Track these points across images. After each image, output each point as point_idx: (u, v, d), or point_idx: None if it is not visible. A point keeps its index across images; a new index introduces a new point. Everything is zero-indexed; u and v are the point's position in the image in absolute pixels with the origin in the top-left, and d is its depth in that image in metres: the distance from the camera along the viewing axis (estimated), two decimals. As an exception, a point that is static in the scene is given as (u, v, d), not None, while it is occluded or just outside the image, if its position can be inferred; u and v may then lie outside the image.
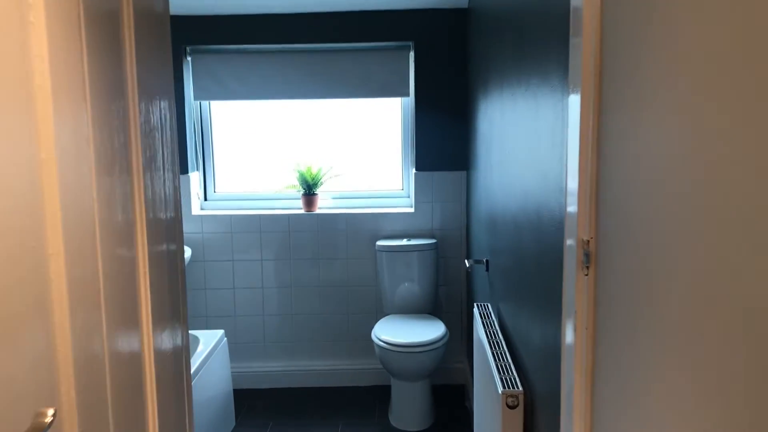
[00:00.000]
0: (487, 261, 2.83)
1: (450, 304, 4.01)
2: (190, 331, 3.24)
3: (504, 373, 2.05)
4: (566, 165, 1.32)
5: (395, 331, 3.50)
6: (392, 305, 3.83)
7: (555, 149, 1.54)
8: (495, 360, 2.15)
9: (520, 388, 1.92)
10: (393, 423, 3.55)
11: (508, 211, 2.31)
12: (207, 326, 3.98)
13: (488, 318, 2.55)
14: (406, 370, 3.42)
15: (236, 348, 3.99)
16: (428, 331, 3.49)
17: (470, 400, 3.59)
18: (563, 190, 1.37)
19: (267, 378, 4.02)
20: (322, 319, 4.02)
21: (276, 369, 4.03)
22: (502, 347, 2.24)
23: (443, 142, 3.88)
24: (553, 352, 1.56)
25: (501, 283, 2.49)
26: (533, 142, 1.82)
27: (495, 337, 2.33)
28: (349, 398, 3.89)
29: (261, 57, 3.84)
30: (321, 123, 4.07)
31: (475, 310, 2.64)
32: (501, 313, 2.47)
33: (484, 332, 2.39)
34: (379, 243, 3.83)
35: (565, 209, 1.33)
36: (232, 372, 3.67)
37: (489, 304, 2.67)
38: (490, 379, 2.15)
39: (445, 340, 3.45)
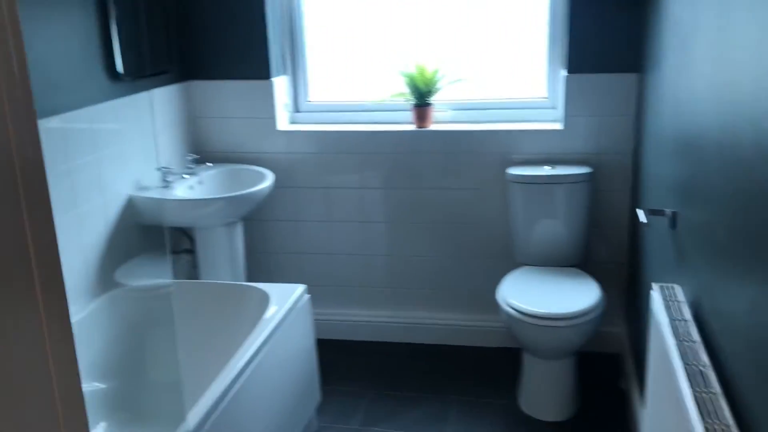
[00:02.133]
0: (674, 213, 1.83)
1: (605, 254, 3.02)
2: (258, 285, 2.53)
3: (706, 411, 1.15)
4: None
5: (530, 293, 2.60)
6: (527, 253, 2.91)
7: None
8: (692, 388, 1.23)
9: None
10: (523, 408, 2.71)
11: (731, 132, 1.31)
12: (296, 264, 3.28)
13: (676, 309, 1.58)
14: (545, 347, 2.54)
15: (328, 291, 3.28)
16: (576, 294, 2.56)
17: (626, 379, 2.67)
18: None
19: (365, 329, 3.29)
20: (435, 262, 3.19)
21: (377, 319, 3.28)
22: (703, 363, 1.31)
23: (606, 34, 2.79)
24: None
25: (706, 253, 1.51)
26: None
27: (690, 344, 1.39)
28: (468, 362, 3.08)
29: None
30: (437, 11, 3.09)
31: (654, 295, 1.68)
32: (703, 303, 1.50)
33: (671, 335, 1.45)
34: (513, 170, 2.88)
35: None
36: (321, 320, 2.97)
37: (676, 287, 1.69)
38: (676, 407, 1.26)
39: (599, 310, 2.51)
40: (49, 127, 2.19)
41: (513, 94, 3.11)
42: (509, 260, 3.02)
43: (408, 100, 3.07)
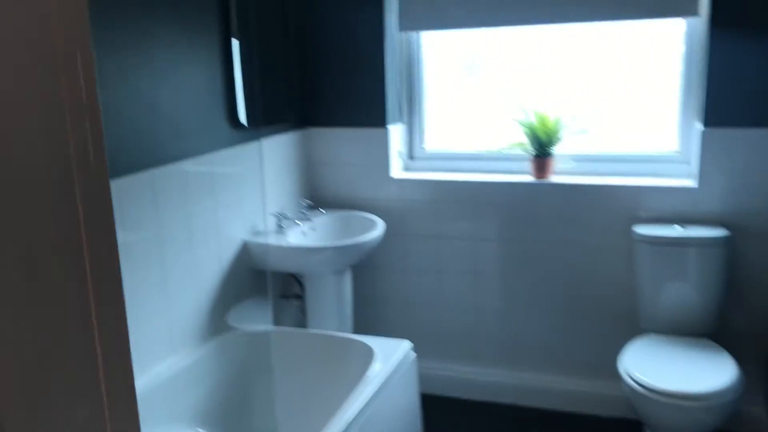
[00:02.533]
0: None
1: (743, 324, 2.73)
2: (364, 338, 2.46)
3: None
4: None
5: (657, 366, 2.38)
6: (654, 320, 2.68)
7: None
8: None
9: None
10: (644, 491, 2.47)
11: None
12: (404, 314, 3.20)
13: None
14: (671, 426, 2.30)
15: (436, 344, 3.16)
16: (710, 370, 2.32)
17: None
18: None
19: (472, 387, 3.14)
20: (552, 321, 3.01)
21: (485, 378, 3.13)
22: None
23: (749, 85, 2.56)
24: None
25: None
26: None
27: None
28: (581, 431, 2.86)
29: (484, -31, 2.83)
30: (559, 58, 2.97)
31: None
32: None
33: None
34: (639, 229, 2.68)
35: None
36: (426, 373, 2.86)
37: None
38: None
39: (736, 391, 2.25)
40: (169, 172, 2.25)
41: (641, 146, 2.92)
42: (633, 325, 2.79)
43: (527, 150, 2.95)
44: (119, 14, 2.03)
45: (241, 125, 2.62)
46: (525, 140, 2.94)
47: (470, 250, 3.06)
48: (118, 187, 2.04)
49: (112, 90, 2.02)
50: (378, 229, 2.87)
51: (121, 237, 2.02)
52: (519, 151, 3.01)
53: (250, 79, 2.66)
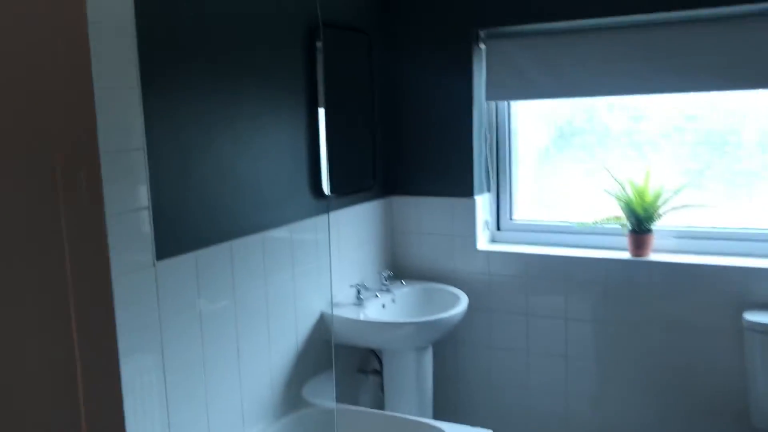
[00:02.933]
0: None
1: None
2: (444, 425, 2.30)
3: None
4: None
5: (775, 475, 2.09)
6: (770, 419, 2.39)
7: None
8: None
9: None
10: None
11: None
12: (487, 396, 3.01)
13: None
14: None
15: (525, 429, 2.95)
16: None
17: None
18: None
19: (566, 483, 2.89)
20: (651, 413, 2.74)
21: (579, 473, 2.87)
22: None
23: None
24: None
25: None
26: None
27: None
28: None
29: (580, 38, 2.73)
30: (658, 125, 2.79)
31: None
32: None
33: None
34: (751, 316, 2.42)
35: None
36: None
37: None
38: None
39: None
40: (249, 242, 2.23)
41: (752, 222, 2.67)
42: (744, 424, 2.50)
43: (623, 225, 2.76)
44: (204, 84, 2.06)
45: (323, 194, 2.58)
46: (621, 214, 2.76)
47: (561, 330, 2.86)
48: (197, 258, 2.02)
49: (197, 159, 2.03)
50: (461, 303, 2.73)
51: (200, 307, 1.99)
52: (615, 226, 2.82)
53: (334, 148, 2.64)
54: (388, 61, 3.03)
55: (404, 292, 2.90)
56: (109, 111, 1.73)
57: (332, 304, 2.67)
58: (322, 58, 2.52)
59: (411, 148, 3.07)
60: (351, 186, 2.81)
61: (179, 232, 1.98)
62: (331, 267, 2.67)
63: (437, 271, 3.06)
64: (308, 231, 2.54)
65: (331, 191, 2.62)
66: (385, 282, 2.87)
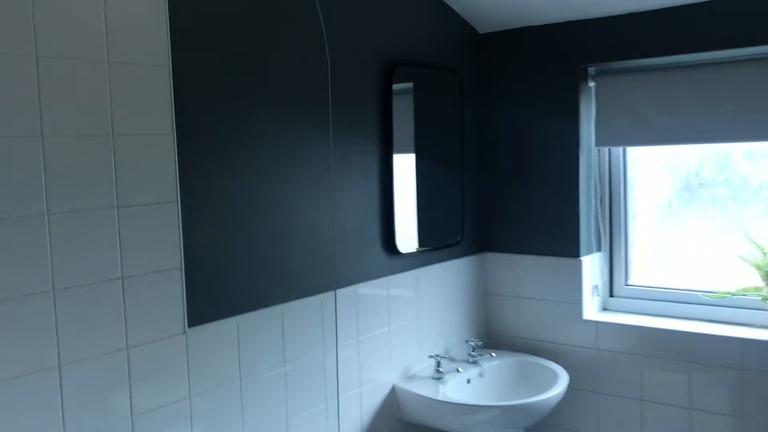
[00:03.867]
0: None
1: None
2: None
3: None
4: None
5: None
6: None
7: None
8: None
9: None
10: None
11: None
12: (596, 497, 2.53)
13: None
14: None
15: None
16: None
17: None
18: None
19: None
20: None
21: None
22: None
23: None
24: None
25: None
26: None
27: None
28: None
29: (706, 72, 2.30)
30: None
31: None
32: None
33: None
34: None
35: None
36: None
37: None
38: None
39: None
40: (307, 305, 1.97)
41: None
42: None
43: (764, 298, 2.25)
44: (253, 128, 1.84)
45: (397, 250, 2.29)
46: (761, 284, 2.25)
47: (686, 422, 2.36)
48: (239, 323, 1.79)
49: (242, 212, 1.81)
50: (561, 383, 2.32)
51: (240, 379, 1.73)
52: (753, 298, 2.31)
53: (415, 198, 2.36)
54: (480, 102, 2.72)
55: (494, 365, 2.52)
56: (141, 159, 1.55)
57: (406, 377, 2.35)
58: (410, 100, 2.27)
59: (507, 198, 2.72)
60: (433, 241, 2.50)
61: (217, 294, 1.75)
62: (408, 333, 2.36)
63: (534, 342, 2.65)
64: (379, 292, 2.25)
65: (411, 247, 2.33)
66: (472, 353, 2.51)
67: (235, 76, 1.79)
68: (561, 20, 2.52)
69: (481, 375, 2.47)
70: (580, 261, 2.56)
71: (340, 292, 2.09)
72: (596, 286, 2.65)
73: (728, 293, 2.35)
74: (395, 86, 2.26)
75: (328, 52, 2.01)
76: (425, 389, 2.28)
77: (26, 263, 1.35)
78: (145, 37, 1.56)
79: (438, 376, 2.36)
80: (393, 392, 2.30)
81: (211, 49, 1.73)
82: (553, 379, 2.36)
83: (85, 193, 1.45)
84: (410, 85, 2.35)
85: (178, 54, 1.62)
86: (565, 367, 2.46)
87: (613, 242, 2.67)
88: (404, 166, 2.32)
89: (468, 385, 2.41)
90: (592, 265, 2.62)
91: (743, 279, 2.32)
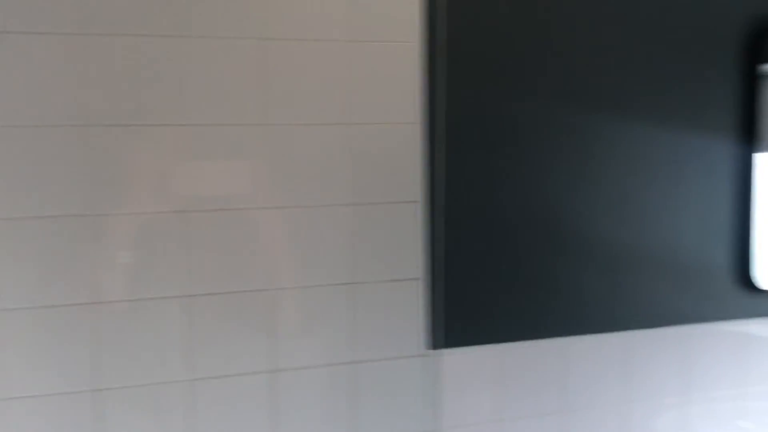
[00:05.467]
0: None
1: None
2: None
3: None
4: None
5: None
6: None
7: None
8: None
9: None
10: None
11: None
12: None
13: None
14: None
15: None
16: None
17: None
18: None
19: None
20: None
21: None
22: None
23: None
24: None
25: None
26: None
27: None
28: None
29: None
30: None
31: None
32: None
33: None
34: None
35: None
36: None
37: None
38: None
39: None
40: (603, 342, 1.54)
41: None
42: None
43: None
44: (538, 109, 1.48)
45: (755, 287, 1.64)
46: None
47: None
48: (504, 353, 1.47)
49: (514, 214, 1.48)
50: None
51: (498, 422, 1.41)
52: None
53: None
54: None
55: None
56: (379, 151, 1.36)
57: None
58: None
59: None
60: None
61: (475, 314, 1.46)
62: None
63: None
64: (723, 339, 1.64)
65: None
66: None
67: (529, 51, 1.46)
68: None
69: None
70: None
71: (660, 332, 1.58)
72: None
73: None
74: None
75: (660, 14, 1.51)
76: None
77: (258, 263, 1.30)
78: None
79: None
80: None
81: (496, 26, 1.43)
82: None
83: (325, 187, 1.33)
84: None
85: (452, 34, 1.38)
86: None
87: None
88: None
89: None
90: None
91: None
